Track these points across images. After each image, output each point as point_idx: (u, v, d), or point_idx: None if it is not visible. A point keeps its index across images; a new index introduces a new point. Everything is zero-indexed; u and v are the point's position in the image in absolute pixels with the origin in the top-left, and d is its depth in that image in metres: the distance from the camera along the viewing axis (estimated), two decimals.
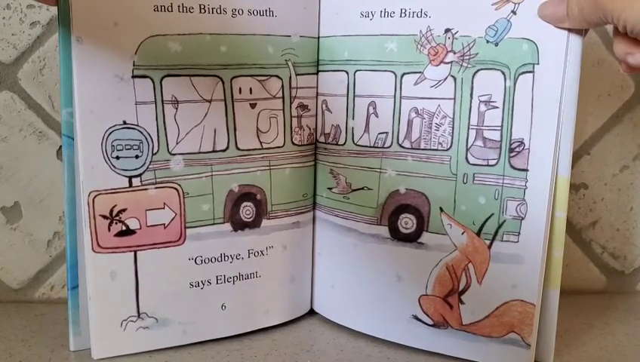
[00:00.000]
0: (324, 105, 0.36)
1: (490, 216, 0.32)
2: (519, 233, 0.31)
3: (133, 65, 0.30)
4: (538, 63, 0.30)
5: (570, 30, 0.29)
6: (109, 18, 0.29)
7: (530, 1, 0.30)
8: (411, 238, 0.34)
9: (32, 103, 0.40)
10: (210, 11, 0.31)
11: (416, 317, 0.34)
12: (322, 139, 0.37)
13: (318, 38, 0.36)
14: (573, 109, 0.30)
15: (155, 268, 0.32)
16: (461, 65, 0.31)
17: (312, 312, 0.40)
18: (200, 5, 0.31)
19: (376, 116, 0.34)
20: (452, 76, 0.32)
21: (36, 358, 0.33)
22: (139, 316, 0.32)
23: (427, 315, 0.34)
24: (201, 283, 0.34)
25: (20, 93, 0.40)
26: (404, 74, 0.33)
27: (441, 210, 0.33)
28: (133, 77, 0.30)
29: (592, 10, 0.26)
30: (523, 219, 0.31)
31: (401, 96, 0.33)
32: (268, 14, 0.33)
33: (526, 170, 0.31)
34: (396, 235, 0.34)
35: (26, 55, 0.39)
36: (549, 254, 0.32)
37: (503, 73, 0.31)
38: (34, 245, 0.41)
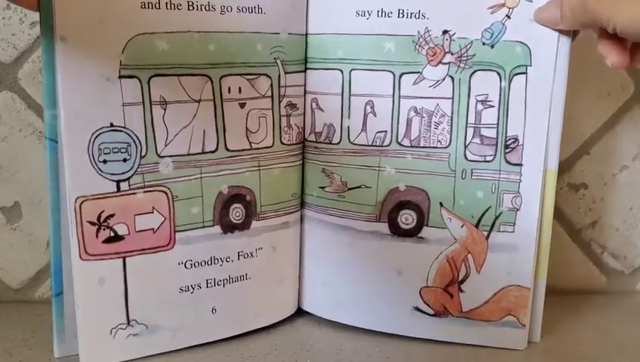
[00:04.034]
0: (313, 104, 0.41)
1: (487, 209, 0.38)
2: (514, 223, 0.38)
3: (120, 64, 0.33)
4: (531, 65, 0.36)
5: (560, 33, 0.36)
6: (94, 15, 0.32)
7: (524, 7, 0.36)
8: (411, 233, 0.40)
9: (32, 103, 0.44)
10: (199, 8, 0.35)
11: (417, 309, 0.40)
12: (312, 138, 0.41)
13: (306, 35, 0.40)
14: (561, 107, 0.37)
15: (145, 274, 0.36)
16: (459, 66, 0.37)
17: (309, 312, 0.44)
18: (188, 2, 0.34)
19: (374, 115, 0.39)
20: (450, 76, 0.37)
21: (36, 358, 0.38)
22: (128, 323, 0.36)
23: (428, 306, 0.40)
24: (191, 288, 0.38)
25: (19, 93, 0.44)
26: (402, 74, 0.38)
27: (441, 204, 0.39)
28: (120, 77, 0.33)
29: (583, 15, 0.32)
30: (518, 210, 0.38)
31: (399, 96, 0.38)
32: (257, 11, 0.37)
33: (520, 165, 0.38)
34: (396, 231, 0.40)
35: (26, 55, 0.43)
36: (539, 241, 0.39)
37: (499, 74, 0.37)
38: (34, 245, 0.46)
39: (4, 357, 0.38)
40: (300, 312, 0.44)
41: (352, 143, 0.40)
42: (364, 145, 0.39)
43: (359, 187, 0.40)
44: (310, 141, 0.41)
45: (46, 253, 0.46)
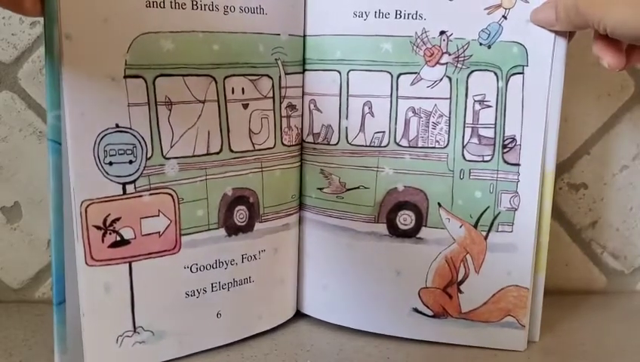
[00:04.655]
0: (312, 105, 0.43)
1: (486, 209, 0.42)
2: (513, 223, 0.41)
3: (125, 64, 0.35)
4: (527, 65, 0.40)
5: (556, 34, 0.39)
6: (98, 14, 0.34)
7: (520, 8, 0.39)
8: (410, 234, 0.43)
9: (32, 103, 0.47)
10: (203, 8, 0.37)
11: (416, 310, 0.43)
12: (310, 139, 0.44)
13: (304, 36, 0.43)
14: (558, 107, 0.40)
15: (151, 279, 0.38)
16: (456, 67, 0.40)
17: (305, 314, 0.47)
18: (192, 1, 0.37)
19: (372, 116, 0.42)
20: (447, 77, 0.41)
21: (36, 358, 0.40)
22: (135, 330, 0.38)
23: (427, 307, 0.43)
24: (196, 292, 0.40)
25: (19, 93, 0.46)
26: (400, 74, 0.41)
27: (439, 205, 0.42)
28: (125, 77, 0.35)
29: (575, 17, 0.36)
30: (516, 210, 0.41)
31: (397, 96, 0.41)
32: (259, 12, 0.40)
33: (518, 165, 0.41)
34: (395, 232, 0.43)
35: (26, 55, 0.46)
36: (537, 241, 0.42)
37: (496, 74, 0.40)
38: (34, 245, 0.49)
39: (4, 357, 0.40)
40: (300, 312, 0.47)
41: (350, 144, 0.43)
42: (362, 145, 0.42)
43: (357, 188, 0.43)
44: (308, 142, 0.44)
45: (46, 253, 0.49)
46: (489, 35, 0.40)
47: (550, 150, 0.41)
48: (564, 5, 0.36)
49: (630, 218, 0.54)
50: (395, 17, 0.40)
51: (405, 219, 0.43)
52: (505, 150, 0.41)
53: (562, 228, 0.54)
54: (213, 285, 0.41)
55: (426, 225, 0.42)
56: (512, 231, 0.41)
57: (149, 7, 0.36)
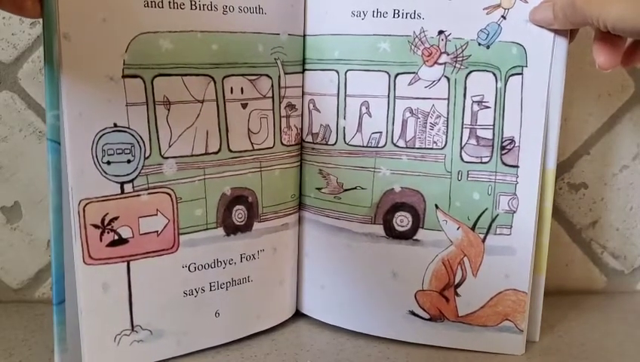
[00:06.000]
0: (311, 105, 0.44)
1: (484, 211, 0.41)
2: (511, 226, 0.41)
3: (124, 64, 0.35)
4: (526, 66, 0.40)
5: (556, 34, 0.39)
6: (97, 13, 0.34)
7: (519, 8, 0.39)
8: (407, 236, 0.43)
9: (32, 103, 0.47)
10: (202, 8, 0.37)
11: (412, 313, 0.43)
12: (309, 138, 0.44)
13: (304, 36, 0.43)
14: (558, 108, 0.40)
15: (149, 278, 0.38)
16: (454, 67, 0.40)
17: (304, 314, 0.47)
18: (191, 1, 0.37)
19: (370, 116, 0.42)
20: (446, 77, 0.41)
21: (36, 358, 0.40)
22: (132, 329, 0.38)
23: (424, 310, 0.43)
24: (194, 291, 0.40)
25: (19, 92, 0.47)
26: (397, 74, 0.41)
27: (437, 206, 0.42)
28: (124, 76, 0.36)
29: (573, 14, 0.36)
30: (515, 212, 0.41)
31: (395, 96, 0.41)
32: (258, 11, 0.40)
33: (516, 166, 0.40)
34: (391, 233, 0.43)
35: (26, 55, 0.46)
36: (538, 242, 0.41)
37: (494, 75, 0.40)
38: (34, 245, 0.49)
39: (4, 357, 0.40)
40: (300, 312, 0.47)
41: (347, 144, 0.43)
42: (360, 146, 0.43)
43: (355, 188, 0.43)
44: (307, 142, 0.44)
45: (46, 253, 0.49)
46: (488, 35, 0.40)
47: (551, 151, 0.41)
48: (561, 3, 0.36)
49: (630, 218, 0.54)
50: (393, 17, 0.40)
51: (402, 221, 0.43)
52: (503, 151, 0.41)
53: (562, 228, 0.54)
54: (212, 284, 0.41)
55: (422, 227, 0.42)
56: (510, 234, 0.41)
57: (148, 7, 0.36)
